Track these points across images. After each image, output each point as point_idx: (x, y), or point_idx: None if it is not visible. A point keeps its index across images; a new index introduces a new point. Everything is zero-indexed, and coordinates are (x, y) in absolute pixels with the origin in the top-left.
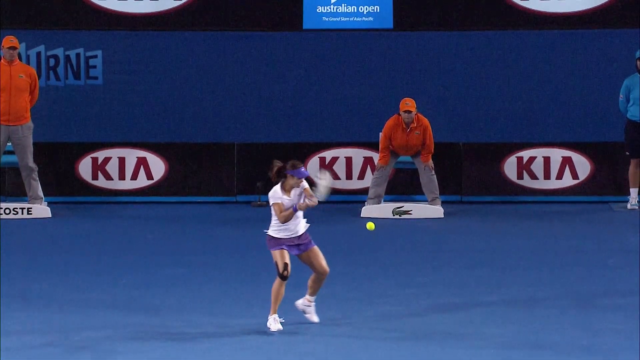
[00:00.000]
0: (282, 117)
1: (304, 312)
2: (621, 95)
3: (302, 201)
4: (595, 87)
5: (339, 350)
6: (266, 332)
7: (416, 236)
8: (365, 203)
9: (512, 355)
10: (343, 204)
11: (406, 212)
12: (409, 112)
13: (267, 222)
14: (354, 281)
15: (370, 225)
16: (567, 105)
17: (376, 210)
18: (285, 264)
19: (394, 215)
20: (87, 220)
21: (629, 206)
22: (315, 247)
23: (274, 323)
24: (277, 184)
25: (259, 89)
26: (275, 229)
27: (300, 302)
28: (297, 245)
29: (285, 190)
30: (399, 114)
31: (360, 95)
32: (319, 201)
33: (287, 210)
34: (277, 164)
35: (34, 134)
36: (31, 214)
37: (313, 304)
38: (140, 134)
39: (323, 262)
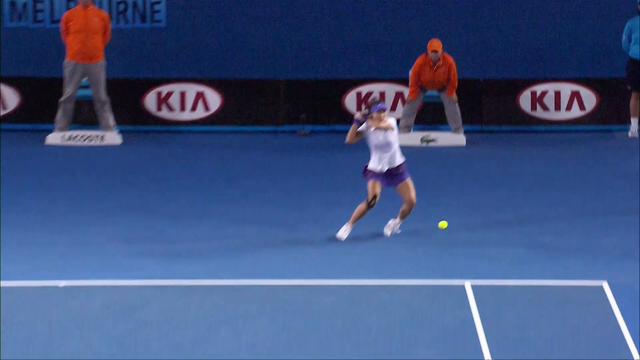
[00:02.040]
0: (324, 56)
1: (387, 225)
2: (624, 36)
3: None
4: (600, 29)
5: (375, 260)
6: (311, 245)
7: (441, 162)
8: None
9: (525, 264)
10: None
11: (432, 140)
12: (436, 51)
13: (308, 149)
14: (387, 201)
15: (442, 224)
16: (575, 45)
17: (406, 139)
18: (375, 196)
19: (421, 143)
20: (152, 147)
21: (629, 134)
22: (408, 180)
23: (344, 230)
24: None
25: (303, 31)
26: (373, 162)
27: (390, 221)
28: (392, 177)
29: (372, 123)
30: (427, 54)
31: (392, 36)
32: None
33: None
34: (367, 104)
35: (106, 71)
36: (104, 141)
37: (396, 225)
38: (198, 70)
39: (411, 193)
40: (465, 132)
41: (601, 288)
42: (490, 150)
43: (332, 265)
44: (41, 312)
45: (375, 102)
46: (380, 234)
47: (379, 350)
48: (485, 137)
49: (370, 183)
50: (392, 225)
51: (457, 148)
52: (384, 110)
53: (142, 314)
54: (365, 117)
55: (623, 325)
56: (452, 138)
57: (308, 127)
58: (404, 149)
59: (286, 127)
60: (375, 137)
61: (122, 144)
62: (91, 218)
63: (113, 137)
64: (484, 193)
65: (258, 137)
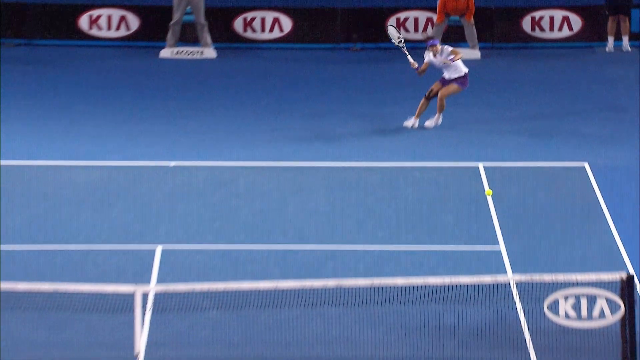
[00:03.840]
0: None
1: (430, 119)
2: None
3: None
4: None
5: (410, 147)
6: (360, 135)
7: None
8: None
9: (525, 149)
10: (412, 50)
11: None
12: None
13: (359, 62)
14: (417, 102)
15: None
16: None
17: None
18: (430, 91)
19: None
20: (240, 60)
21: (607, 49)
22: (455, 86)
23: (409, 120)
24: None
25: None
26: (443, 73)
27: (432, 118)
28: (451, 82)
29: (433, 54)
30: None
31: None
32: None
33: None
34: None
35: (205, 0)
36: (203, 55)
37: (437, 118)
38: (274, 0)
39: (444, 91)
40: (480, 49)
41: (583, 168)
42: (499, 63)
43: (376, 151)
44: (156, 185)
45: (428, 39)
46: (412, 127)
47: (413, 214)
48: (495, 52)
49: (435, 83)
50: (434, 120)
51: (473, 61)
52: (435, 45)
53: (232, 186)
54: (419, 72)
55: (600, 197)
56: (469, 53)
57: (359, 45)
58: None
59: (342, 45)
60: (436, 64)
61: (216, 58)
62: (194, 112)
63: (210, 52)
64: (495, 95)
65: (320, 52)
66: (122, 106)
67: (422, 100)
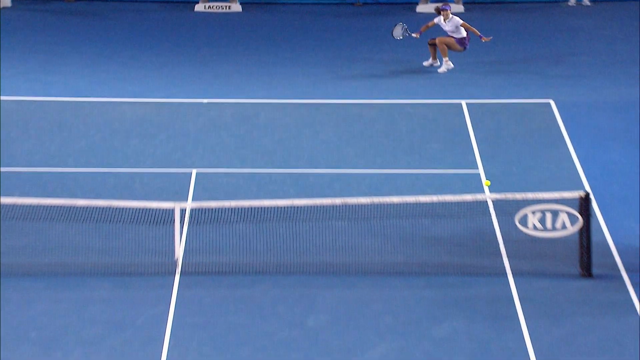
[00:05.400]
0: None
1: (441, 66)
2: None
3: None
4: None
5: (403, 86)
6: (361, 77)
7: None
8: (419, 3)
9: (500, 88)
10: (405, 4)
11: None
12: None
13: (362, 15)
14: (419, 47)
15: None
16: None
17: (425, 7)
18: (433, 39)
19: (434, 11)
20: (261, 12)
21: (569, 4)
22: (451, 40)
23: (427, 61)
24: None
25: None
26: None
27: (443, 65)
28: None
29: (443, 18)
30: None
31: None
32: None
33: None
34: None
35: None
36: (230, 9)
37: (445, 63)
38: None
39: (441, 38)
40: (463, 4)
41: (549, 104)
42: (480, 15)
43: (376, 90)
44: (191, 118)
45: (441, 5)
46: (425, 67)
47: (406, 143)
48: (477, 7)
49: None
50: (443, 65)
51: (459, 14)
52: (446, 10)
53: (255, 120)
54: (421, 33)
55: (563, 128)
56: (454, 7)
57: (362, 0)
58: (427, 15)
59: (347, 0)
60: (443, 27)
61: (242, 11)
62: (223, 58)
63: (236, 7)
64: (475, 42)
65: (328, 7)
66: (163, 52)
67: (428, 47)
